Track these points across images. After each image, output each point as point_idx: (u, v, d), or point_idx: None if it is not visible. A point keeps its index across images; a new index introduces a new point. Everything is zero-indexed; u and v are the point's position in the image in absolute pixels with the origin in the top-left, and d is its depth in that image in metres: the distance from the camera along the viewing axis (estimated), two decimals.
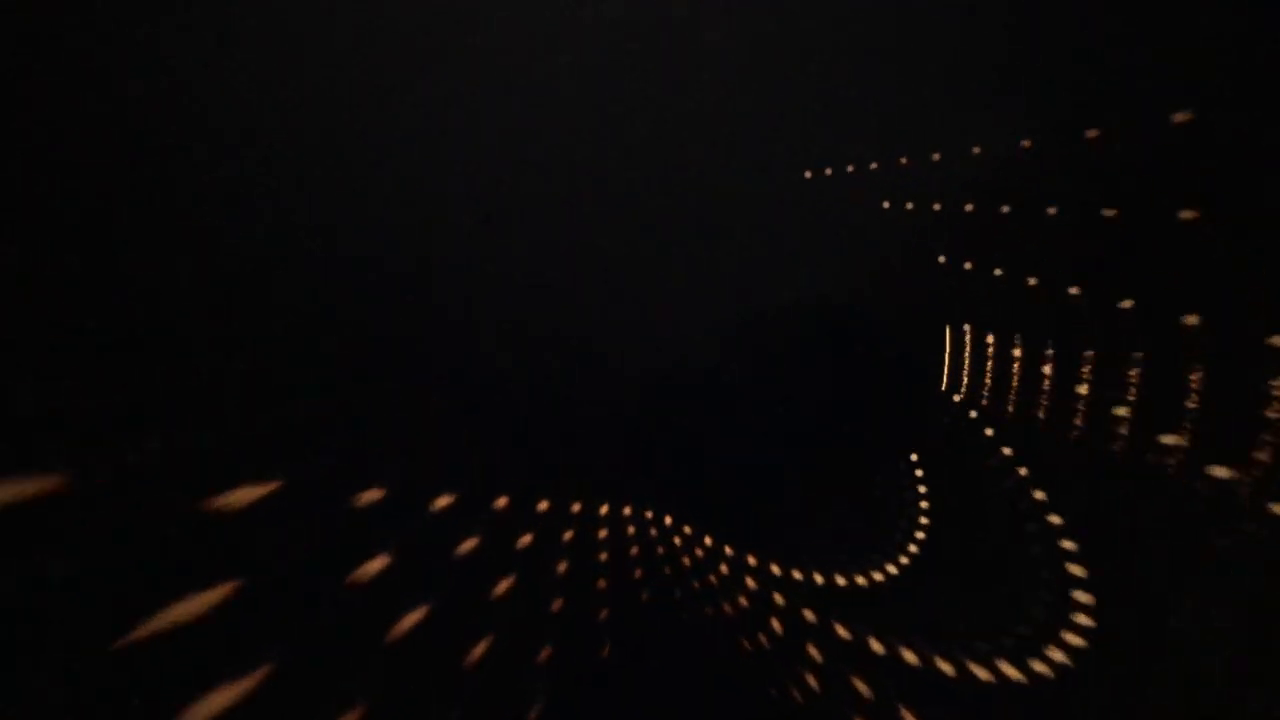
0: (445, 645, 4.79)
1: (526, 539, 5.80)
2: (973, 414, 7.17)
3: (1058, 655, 5.98)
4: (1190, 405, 6.50)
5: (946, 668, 5.96)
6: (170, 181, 5.17)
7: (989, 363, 7.28)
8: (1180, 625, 5.93)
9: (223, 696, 3.27)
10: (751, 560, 6.75)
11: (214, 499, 3.68)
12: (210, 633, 3.27)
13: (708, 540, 6.82)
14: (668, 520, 6.78)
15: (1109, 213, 7.05)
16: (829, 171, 7.64)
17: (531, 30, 7.37)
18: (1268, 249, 6.54)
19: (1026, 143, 7.16)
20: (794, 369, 7.76)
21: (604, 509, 6.51)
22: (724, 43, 7.64)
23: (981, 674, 5.94)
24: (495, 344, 6.72)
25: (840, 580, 6.66)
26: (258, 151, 5.78)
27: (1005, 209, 7.36)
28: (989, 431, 7.08)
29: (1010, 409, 7.01)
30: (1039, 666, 5.94)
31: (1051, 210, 7.28)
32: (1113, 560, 6.28)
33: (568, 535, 6.16)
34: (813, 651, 6.24)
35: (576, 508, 6.26)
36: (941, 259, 7.47)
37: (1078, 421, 6.80)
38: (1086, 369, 6.90)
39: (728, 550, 6.87)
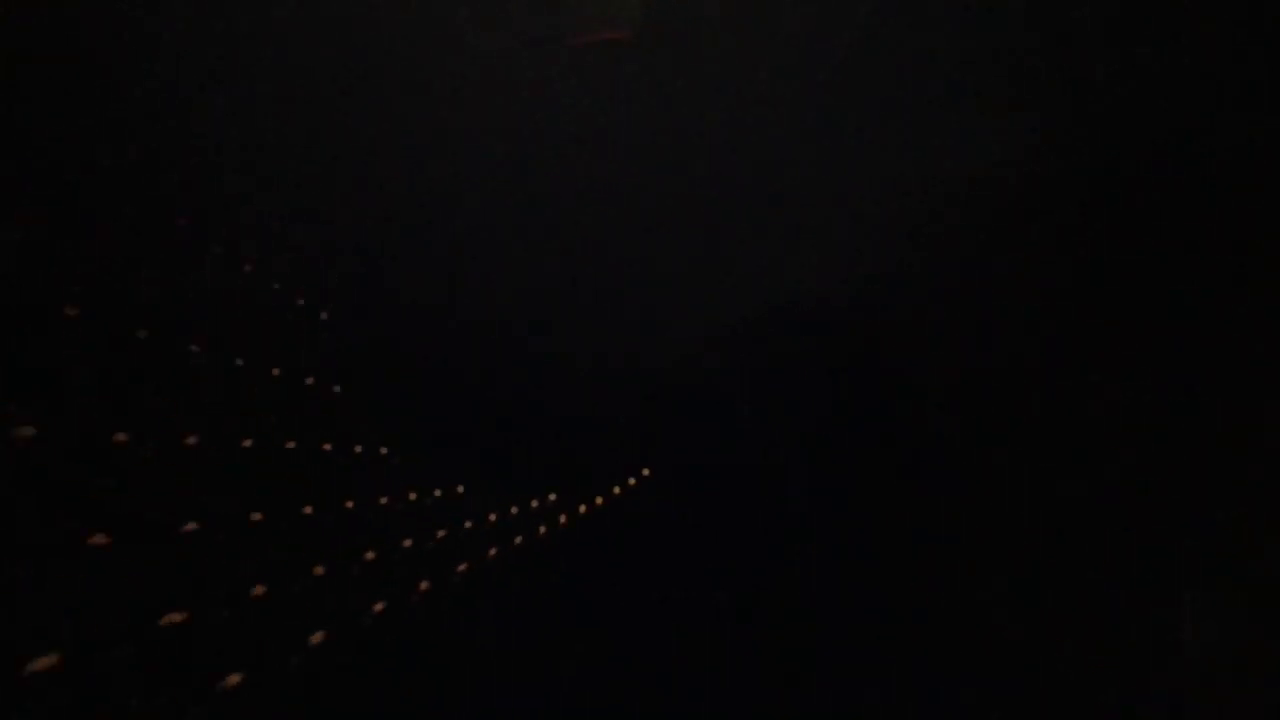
0: (442, 639, 4.80)
1: (516, 535, 5.81)
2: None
3: None
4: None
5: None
6: (169, 182, 5.18)
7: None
8: (1180, 625, 5.93)
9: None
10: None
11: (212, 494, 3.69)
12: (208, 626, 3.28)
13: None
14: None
15: (1110, 214, 7.05)
16: (828, 172, 7.63)
17: (529, 29, 7.37)
18: (1267, 249, 6.53)
19: (1028, 145, 7.16)
20: (790, 372, 7.74)
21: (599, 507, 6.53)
22: (723, 42, 7.64)
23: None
24: (487, 344, 6.73)
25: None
26: (258, 153, 5.80)
27: (1005, 211, 7.35)
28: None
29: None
30: None
31: (1051, 211, 7.28)
32: (1112, 561, 6.27)
33: (564, 534, 6.17)
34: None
35: (570, 506, 6.28)
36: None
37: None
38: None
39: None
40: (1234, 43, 6.76)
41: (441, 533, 5.17)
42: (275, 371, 5.00)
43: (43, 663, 2.59)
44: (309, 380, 5.27)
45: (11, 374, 3.29)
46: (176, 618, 3.11)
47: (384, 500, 4.97)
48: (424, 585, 4.90)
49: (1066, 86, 7.25)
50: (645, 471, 7.02)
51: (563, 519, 6.19)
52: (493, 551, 5.53)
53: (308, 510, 4.28)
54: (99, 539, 3.01)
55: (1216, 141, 6.74)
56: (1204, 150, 6.75)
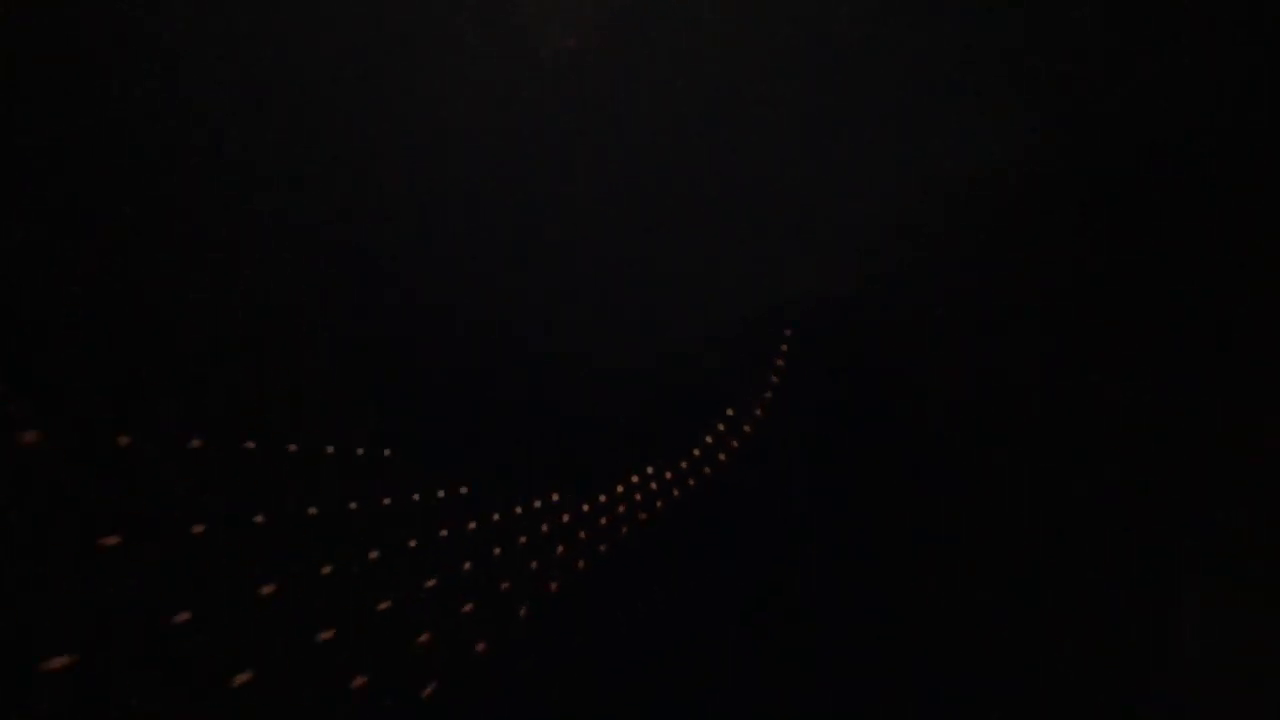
0: (441, 635, 4.80)
1: (520, 536, 5.80)
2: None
3: None
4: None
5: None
6: (169, 182, 5.17)
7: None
8: (1180, 625, 5.93)
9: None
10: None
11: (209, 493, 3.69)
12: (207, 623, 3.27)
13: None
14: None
15: (1109, 211, 7.05)
16: (829, 172, 7.64)
17: (528, 27, 7.37)
18: (1267, 248, 6.54)
19: (1027, 143, 7.16)
20: (790, 372, 7.75)
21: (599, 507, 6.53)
22: (725, 43, 7.63)
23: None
24: (489, 344, 6.72)
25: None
26: (256, 151, 5.79)
27: (1005, 211, 7.36)
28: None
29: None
30: None
31: (1051, 209, 7.28)
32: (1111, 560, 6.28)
33: (562, 534, 6.17)
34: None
35: (569, 505, 6.27)
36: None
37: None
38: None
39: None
40: (1234, 43, 6.77)
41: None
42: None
43: (54, 663, 2.58)
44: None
45: (12, 374, 3.29)
46: (184, 616, 3.10)
47: (397, 511, 4.99)
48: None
49: (1066, 86, 7.25)
50: (646, 472, 7.03)
51: (565, 522, 6.20)
52: (509, 560, 5.55)
53: (312, 512, 4.29)
54: (110, 540, 3.01)
55: (1216, 141, 6.74)
56: (1204, 150, 6.76)
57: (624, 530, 6.54)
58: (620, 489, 6.68)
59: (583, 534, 6.29)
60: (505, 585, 5.49)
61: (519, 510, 5.90)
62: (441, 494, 5.44)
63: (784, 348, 7.94)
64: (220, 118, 5.69)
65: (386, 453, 5.41)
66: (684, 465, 7.17)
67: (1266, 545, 5.93)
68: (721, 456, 7.35)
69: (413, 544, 4.83)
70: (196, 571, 3.40)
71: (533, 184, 7.28)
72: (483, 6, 7.20)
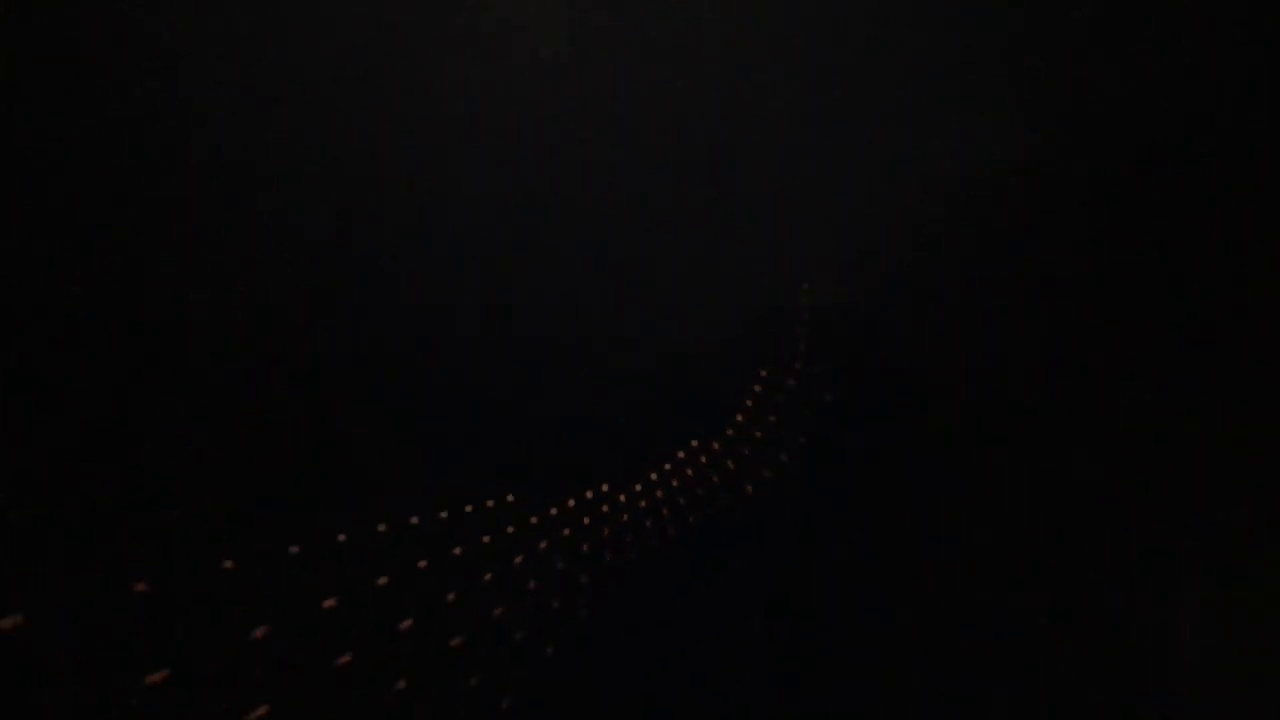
0: (437, 637, 4.81)
1: (523, 536, 5.81)
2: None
3: None
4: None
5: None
6: (169, 183, 5.18)
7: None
8: (1178, 621, 5.94)
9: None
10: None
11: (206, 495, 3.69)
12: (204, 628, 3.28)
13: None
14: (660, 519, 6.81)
15: (1108, 213, 7.06)
16: (829, 172, 7.64)
17: (530, 27, 7.37)
18: (1267, 249, 6.54)
19: (1026, 144, 7.17)
20: (791, 372, 7.76)
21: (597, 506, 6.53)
22: (724, 42, 7.63)
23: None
24: (490, 345, 6.73)
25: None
26: (256, 152, 5.80)
27: (1005, 211, 7.36)
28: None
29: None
30: None
31: (1051, 209, 7.29)
32: (1114, 560, 6.28)
33: (563, 533, 6.18)
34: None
35: (570, 505, 6.29)
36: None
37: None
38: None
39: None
40: (1234, 43, 6.77)
41: (458, 549, 5.18)
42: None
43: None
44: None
45: (12, 374, 3.29)
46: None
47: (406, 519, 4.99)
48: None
49: (1066, 86, 7.25)
50: (647, 472, 7.04)
51: (566, 522, 6.21)
52: (517, 560, 5.56)
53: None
54: (111, 542, 3.01)
55: (1216, 141, 6.75)
56: (1204, 150, 6.76)
57: (625, 531, 6.55)
58: (620, 490, 6.69)
59: (584, 535, 6.30)
60: (508, 585, 5.50)
61: (520, 510, 5.90)
62: (442, 494, 5.44)
63: (784, 347, 7.94)
64: (220, 118, 5.70)
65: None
66: (684, 465, 7.17)
67: (1266, 545, 5.93)
68: (722, 456, 7.35)
69: (415, 545, 4.84)
70: (196, 572, 3.41)
71: (533, 184, 7.28)
72: (483, 6, 7.21)
